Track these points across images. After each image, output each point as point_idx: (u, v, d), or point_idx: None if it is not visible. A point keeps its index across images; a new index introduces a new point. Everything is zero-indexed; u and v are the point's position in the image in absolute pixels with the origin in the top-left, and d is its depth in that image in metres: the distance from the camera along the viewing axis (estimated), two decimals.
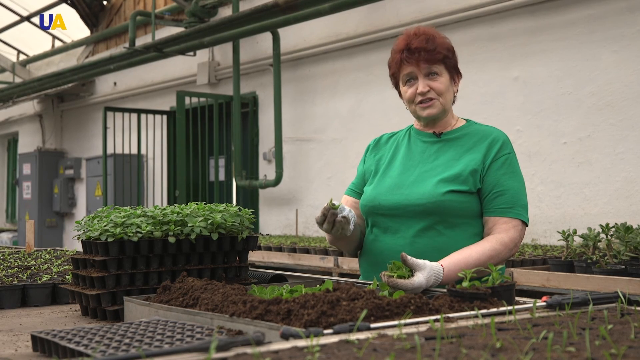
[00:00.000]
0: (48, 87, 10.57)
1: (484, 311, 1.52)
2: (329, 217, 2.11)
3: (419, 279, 1.89)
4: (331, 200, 2.13)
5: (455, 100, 2.38)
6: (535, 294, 3.66)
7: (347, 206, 2.45)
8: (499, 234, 2.17)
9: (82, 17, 10.80)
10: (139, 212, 2.15)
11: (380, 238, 2.29)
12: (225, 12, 8.10)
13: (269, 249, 5.79)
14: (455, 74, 2.31)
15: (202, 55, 8.60)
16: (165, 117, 9.20)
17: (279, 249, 5.71)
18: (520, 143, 5.34)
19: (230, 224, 2.17)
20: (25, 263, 3.08)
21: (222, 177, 8.35)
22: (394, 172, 2.32)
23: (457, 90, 2.36)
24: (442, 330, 1.29)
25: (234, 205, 2.28)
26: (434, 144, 2.32)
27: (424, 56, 2.23)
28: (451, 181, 2.20)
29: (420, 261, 1.94)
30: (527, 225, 2.24)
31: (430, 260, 2.15)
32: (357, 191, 2.46)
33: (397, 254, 2.15)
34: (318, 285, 2.00)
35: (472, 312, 1.50)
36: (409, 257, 1.92)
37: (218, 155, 8.02)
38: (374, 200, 2.30)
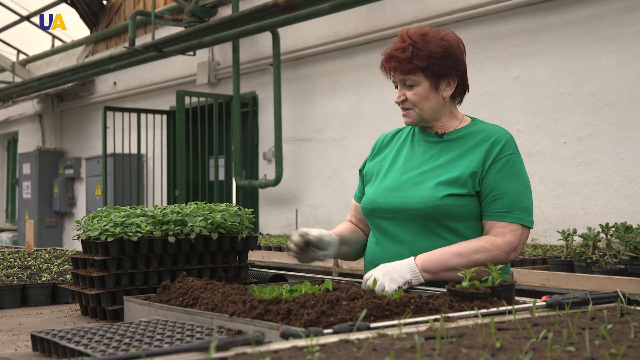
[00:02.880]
0: (48, 86, 10.57)
1: (483, 311, 1.52)
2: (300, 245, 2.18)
3: (380, 281, 2.01)
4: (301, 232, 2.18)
5: (461, 101, 2.32)
6: (535, 293, 3.66)
7: (353, 210, 2.45)
8: (493, 236, 2.13)
9: (81, 16, 10.80)
10: (138, 211, 2.15)
11: (381, 242, 2.27)
12: (225, 11, 8.10)
13: (268, 248, 5.79)
14: (442, 79, 2.20)
15: (202, 54, 8.60)
16: (165, 116, 9.20)
17: (279, 249, 5.71)
18: (520, 143, 5.30)
19: (230, 223, 2.17)
20: (25, 263, 3.08)
21: (221, 176, 8.35)
22: (395, 173, 2.29)
23: (464, 89, 2.28)
24: (442, 330, 1.29)
25: (234, 204, 2.28)
26: (436, 144, 2.27)
27: (394, 66, 2.20)
28: (450, 184, 2.16)
29: (371, 271, 2.09)
30: (530, 228, 2.17)
31: None
32: (360, 195, 2.44)
33: (397, 258, 2.15)
34: (317, 285, 2.00)
35: (472, 312, 1.50)
36: (364, 281, 2.08)
37: (218, 155, 8.02)
38: (374, 203, 2.27)
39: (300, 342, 1.22)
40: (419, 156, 2.28)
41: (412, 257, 2.08)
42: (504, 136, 2.22)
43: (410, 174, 2.25)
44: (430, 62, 2.17)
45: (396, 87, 2.26)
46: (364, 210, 2.33)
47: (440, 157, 2.24)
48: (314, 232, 2.19)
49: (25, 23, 11.37)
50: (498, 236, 2.12)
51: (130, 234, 2.04)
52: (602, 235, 3.67)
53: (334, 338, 1.26)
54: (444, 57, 2.19)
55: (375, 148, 2.45)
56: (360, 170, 2.46)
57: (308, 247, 2.18)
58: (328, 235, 2.22)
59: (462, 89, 2.28)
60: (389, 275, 2.03)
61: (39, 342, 1.56)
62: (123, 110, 8.93)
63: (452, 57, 2.20)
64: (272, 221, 7.76)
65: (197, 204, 2.26)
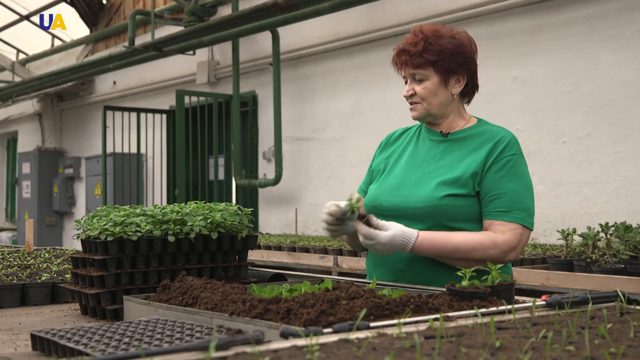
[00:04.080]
0: (47, 86, 10.57)
1: (483, 310, 1.52)
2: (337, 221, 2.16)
3: (387, 234, 2.06)
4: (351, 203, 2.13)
5: (469, 101, 2.32)
6: (534, 293, 3.66)
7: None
8: (494, 233, 2.13)
9: (81, 16, 10.79)
10: (138, 211, 2.15)
11: None
12: (225, 11, 8.10)
13: (268, 248, 5.79)
14: (452, 75, 2.21)
15: (202, 54, 8.60)
16: (164, 116, 9.20)
17: (279, 248, 5.71)
18: (519, 142, 5.33)
19: (230, 223, 2.17)
20: (25, 262, 3.08)
21: (221, 176, 8.35)
22: (399, 171, 2.30)
23: (473, 89, 2.28)
24: (442, 330, 1.29)
25: (234, 204, 2.28)
26: (440, 144, 2.28)
27: (405, 60, 2.22)
28: (451, 184, 2.16)
29: (387, 223, 2.09)
30: (530, 230, 2.16)
31: (432, 267, 2.15)
32: (364, 189, 2.45)
33: (397, 257, 2.15)
34: (317, 285, 2.00)
35: (472, 311, 1.50)
36: (374, 219, 2.10)
37: (217, 154, 8.02)
38: (375, 201, 2.28)
39: (300, 342, 1.22)
40: (423, 154, 2.29)
41: (416, 234, 2.09)
42: (506, 137, 2.23)
43: (413, 172, 2.26)
44: (441, 57, 2.19)
45: (406, 82, 2.28)
46: (366, 208, 2.34)
47: (444, 156, 2.25)
48: (342, 204, 2.17)
49: (25, 22, 11.37)
50: (498, 233, 2.12)
51: (130, 233, 2.04)
52: (602, 234, 3.67)
53: (334, 337, 1.26)
54: (455, 53, 2.20)
55: (382, 144, 2.46)
56: (370, 166, 2.48)
57: (344, 216, 2.14)
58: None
59: (471, 88, 2.29)
60: (389, 247, 2.08)
61: (38, 342, 1.56)
62: (123, 109, 8.93)
63: (463, 55, 2.22)
64: (271, 220, 7.76)
65: (196, 203, 2.26)
